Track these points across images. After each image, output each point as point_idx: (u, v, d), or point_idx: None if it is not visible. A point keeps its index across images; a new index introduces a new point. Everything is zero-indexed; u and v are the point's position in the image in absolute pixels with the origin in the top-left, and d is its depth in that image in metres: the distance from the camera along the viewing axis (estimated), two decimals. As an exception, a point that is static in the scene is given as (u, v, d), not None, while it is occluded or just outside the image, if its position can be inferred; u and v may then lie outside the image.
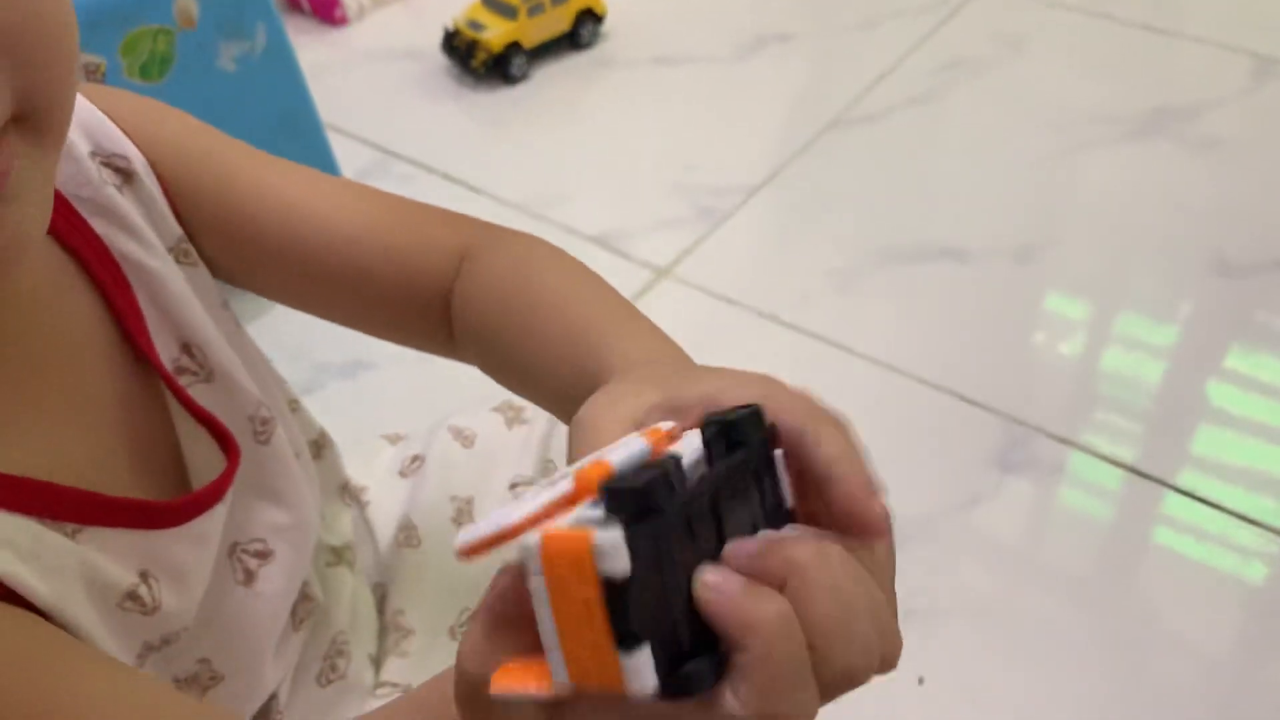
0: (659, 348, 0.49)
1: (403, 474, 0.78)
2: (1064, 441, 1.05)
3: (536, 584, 0.28)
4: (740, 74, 1.60)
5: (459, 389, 1.15)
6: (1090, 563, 0.98)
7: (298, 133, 1.29)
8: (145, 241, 0.53)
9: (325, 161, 1.32)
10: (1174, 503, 1.00)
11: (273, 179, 0.57)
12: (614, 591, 0.26)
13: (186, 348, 0.54)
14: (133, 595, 0.47)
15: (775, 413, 0.33)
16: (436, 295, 0.58)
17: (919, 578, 0.95)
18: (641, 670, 0.26)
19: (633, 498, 0.26)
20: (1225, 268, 1.22)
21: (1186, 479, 1.01)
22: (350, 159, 1.43)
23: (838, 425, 0.34)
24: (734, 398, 0.33)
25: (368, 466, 0.79)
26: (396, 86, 1.63)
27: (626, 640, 0.26)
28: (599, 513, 0.27)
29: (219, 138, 0.58)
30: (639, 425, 0.34)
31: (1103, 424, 1.08)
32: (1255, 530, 0.96)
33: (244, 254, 0.57)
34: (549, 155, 1.49)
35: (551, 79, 1.62)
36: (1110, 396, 1.12)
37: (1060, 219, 1.33)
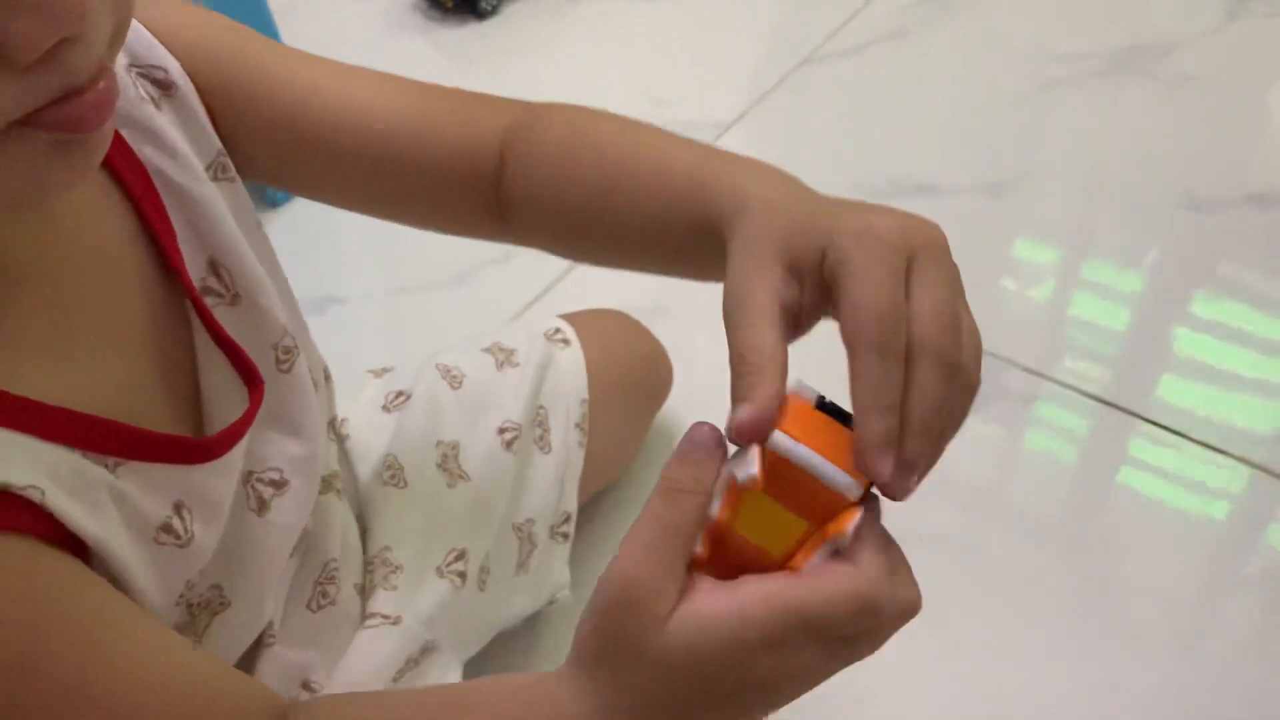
0: (767, 177, 0.48)
1: (386, 409, 0.78)
2: (1035, 374, 1.07)
3: (798, 450, 0.39)
4: (713, 9, 1.58)
5: (434, 326, 1.14)
6: (1058, 497, 1.00)
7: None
8: (181, 159, 0.51)
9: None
10: (1143, 435, 1.02)
11: (310, 73, 0.56)
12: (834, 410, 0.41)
13: (214, 267, 0.53)
14: (167, 528, 0.47)
15: (853, 308, 0.39)
16: (484, 176, 0.57)
17: (888, 510, 0.97)
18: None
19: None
20: (1195, 203, 1.23)
21: (1155, 410, 1.03)
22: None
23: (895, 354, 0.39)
24: (861, 281, 0.39)
25: (349, 399, 0.78)
26: (364, 23, 1.59)
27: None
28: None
29: (252, 36, 0.56)
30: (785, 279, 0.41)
31: (1074, 356, 1.09)
32: (1220, 464, 0.98)
33: (287, 152, 0.56)
34: (519, 91, 1.46)
35: (521, 14, 1.59)
36: (1081, 329, 1.13)
37: (1032, 155, 1.33)
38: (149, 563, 0.46)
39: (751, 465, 0.39)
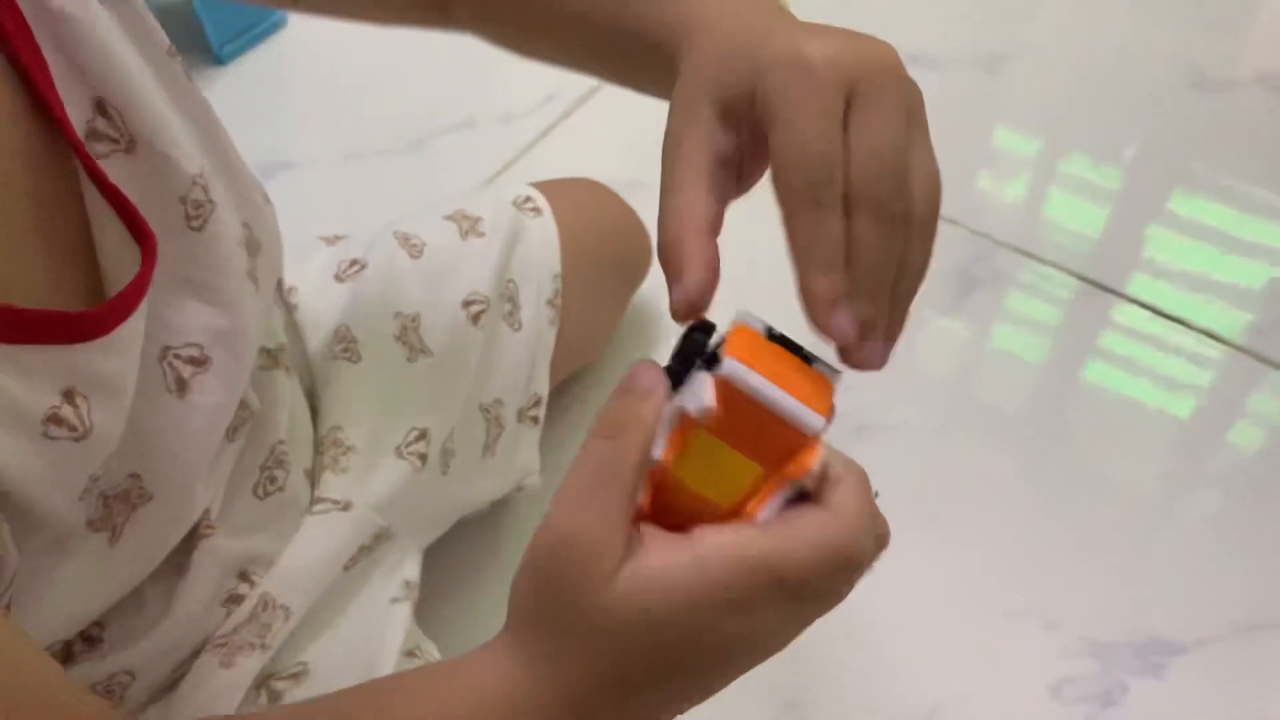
0: None
1: (339, 278, 0.71)
2: (1031, 256, 1.02)
3: (754, 379, 0.34)
4: None
5: (391, 194, 1.07)
6: (1040, 381, 0.97)
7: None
8: None
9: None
10: (1122, 317, 0.98)
11: None
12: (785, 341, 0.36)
13: (101, 107, 0.44)
14: (56, 419, 0.39)
15: (783, 162, 0.34)
16: None
17: (876, 392, 0.93)
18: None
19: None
20: (1201, 82, 1.17)
21: (1138, 289, 0.99)
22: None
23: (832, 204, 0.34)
24: (792, 129, 0.34)
25: (298, 266, 0.71)
26: None
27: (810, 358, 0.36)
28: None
29: None
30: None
31: (1071, 239, 1.04)
32: (1193, 351, 0.95)
33: None
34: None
35: None
36: (1079, 212, 1.08)
37: (1032, 28, 1.26)
38: (39, 461, 0.39)
39: (704, 395, 0.34)
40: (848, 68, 0.35)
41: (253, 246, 0.53)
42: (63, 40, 0.42)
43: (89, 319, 0.40)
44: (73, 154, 0.42)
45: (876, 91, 0.35)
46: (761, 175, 0.39)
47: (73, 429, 0.40)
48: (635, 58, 0.44)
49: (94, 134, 0.44)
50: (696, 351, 0.36)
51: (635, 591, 0.33)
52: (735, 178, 0.38)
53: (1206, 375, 0.95)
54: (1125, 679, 0.77)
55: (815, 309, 0.35)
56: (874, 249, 0.35)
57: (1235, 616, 0.79)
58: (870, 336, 0.36)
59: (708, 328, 0.36)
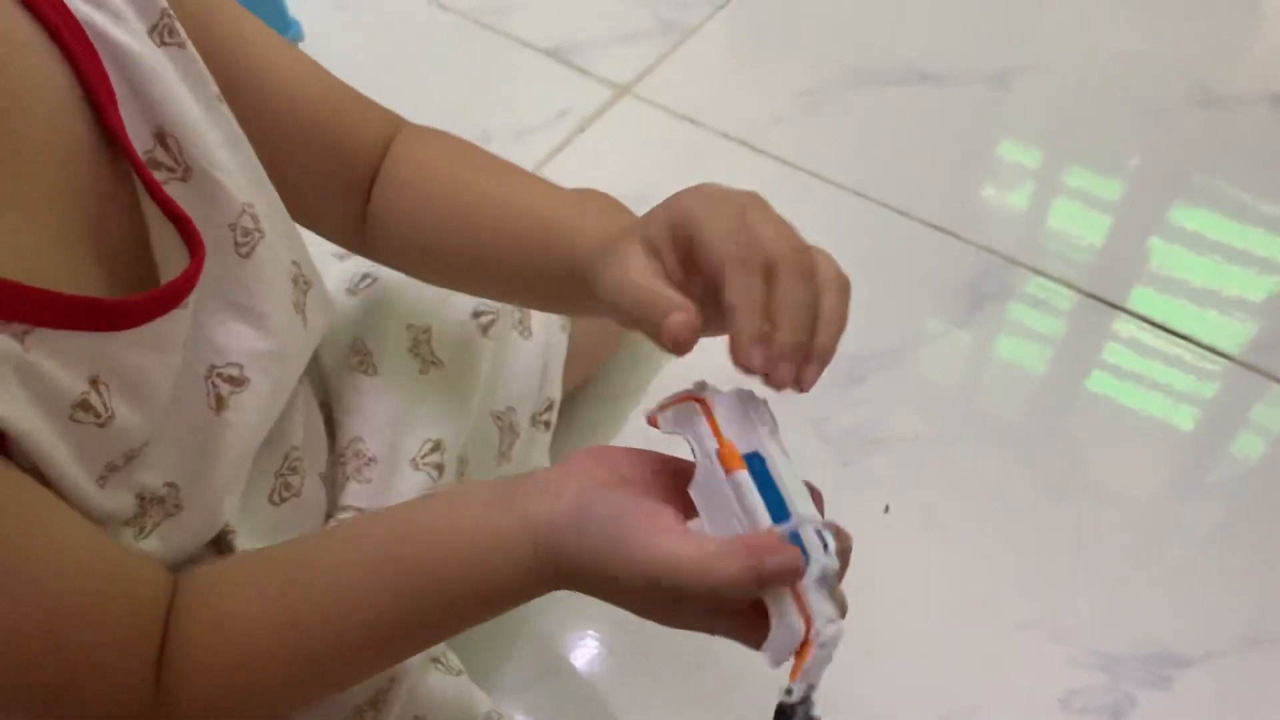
0: (609, 215, 0.54)
1: (352, 292, 0.72)
2: (1038, 272, 1.02)
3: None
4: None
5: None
6: (1046, 394, 0.97)
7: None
8: (115, 14, 0.46)
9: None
10: (1123, 331, 0.98)
11: (248, 26, 0.56)
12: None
13: (161, 137, 0.48)
14: (84, 405, 0.43)
15: (710, 242, 0.43)
16: (365, 176, 0.59)
17: (885, 405, 0.93)
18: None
19: None
20: (1207, 99, 1.18)
21: (1139, 304, 0.99)
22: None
23: (759, 266, 0.42)
24: (707, 228, 0.44)
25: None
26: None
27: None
28: None
29: None
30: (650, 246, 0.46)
31: (1076, 253, 1.05)
32: (1198, 361, 0.95)
33: (224, 85, 0.52)
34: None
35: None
36: (1084, 226, 1.09)
37: (1037, 44, 1.27)
38: (66, 443, 0.43)
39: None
40: (737, 195, 0.46)
41: (301, 283, 0.57)
42: (128, 73, 0.46)
43: (120, 309, 0.44)
44: (133, 173, 0.46)
45: (761, 207, 0.46)
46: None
47: (96, 415, 0.43)
48: (540, 279, 0.55)
49: (153, 162, 0.48)
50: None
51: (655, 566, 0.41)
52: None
53: (1211, 388, 0.95)
54: (1133, 691, 0.77)
55: (741, 340, 0.42)
56: (793, 292, 0.42)
57: (1242, 630, 0.80)
58: (794, 359, 0.42)
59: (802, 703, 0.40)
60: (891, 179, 1.10)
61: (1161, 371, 0.96)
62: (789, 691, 0.38)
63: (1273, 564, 0.83)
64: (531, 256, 0.54)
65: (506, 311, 0.73)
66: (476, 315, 0.71)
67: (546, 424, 0.78)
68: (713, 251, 0.43)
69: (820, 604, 0.38)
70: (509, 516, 0.44)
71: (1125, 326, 0.99)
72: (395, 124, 0.61)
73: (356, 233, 0.61)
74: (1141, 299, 1.01)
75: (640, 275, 0.45)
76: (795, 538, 0.40)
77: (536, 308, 0.61)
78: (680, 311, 0.42)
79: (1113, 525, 0.86)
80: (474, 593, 0.45)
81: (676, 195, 0.46)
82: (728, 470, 0.42)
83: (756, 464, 0.42)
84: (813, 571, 0.39)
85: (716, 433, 0.43)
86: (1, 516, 0.40)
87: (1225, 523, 0.88)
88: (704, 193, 0.46)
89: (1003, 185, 1.13)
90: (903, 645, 0.79)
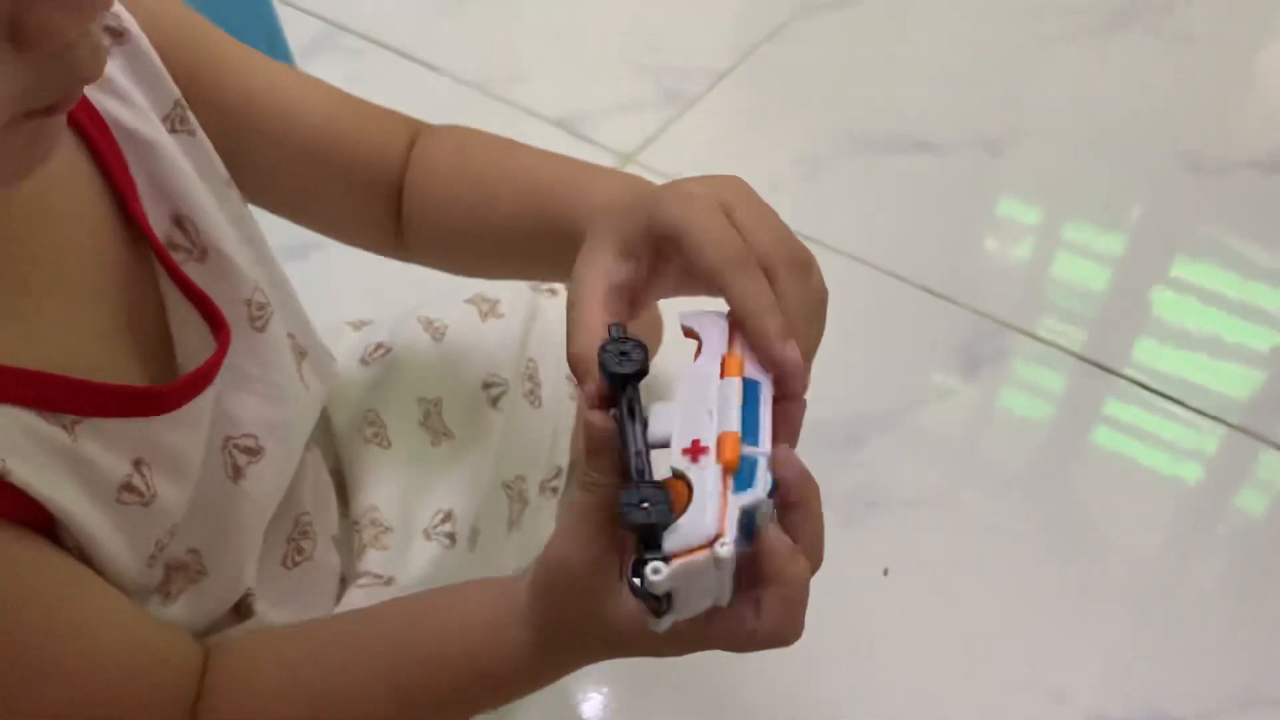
0: (611, 183, 0.54)
1: (365, 361, 0.75)
2: (1033, 336, 1.05)
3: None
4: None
5: (416, 276, 1.10)
6: (1043, 456, 0.99)
7: (244, 3, 1.21)
8: (132, 104, 0.49)
9: (273, 32, 1.24)
10: (1121, 394, 1.00)
11: (256, 65, 0.57)
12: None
13: (178, 221, 0.51)
14: (129, 487, 0.45)
15: (699, 250, 0.41)
16: (393, 183, 0.60)
17: (884, 468, 0.95)
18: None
19: None
20: (1196, 165, 1.21)
21: (1137, 369, 1.01)
22: (297, 31, 1.34)
23: (759, 271, 0.41)
24: (695, 228, 0.42)
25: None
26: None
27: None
28: None
29: (203, 20, 0.56)
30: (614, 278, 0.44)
31: (1070, 318, 1.07)
32: (1197, 425, 0.97)
33: (235, 138, 0.55)
34: (507, 32, 1.42)
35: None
36: (1079, 291, 1.11)
37: (1031, 112, 1.30)
38: (114, 525, 0.45)
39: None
40: (721, 192, 0.44)
41: (298, 353, 0.59)
42: (146, 162, 0.49)
43: (162, 394, 0.46)
44: (153, 258, 0.49)
45: (747, 202, 0.44)
46: (656, 298, 0.47)
47: (140, 496, 0.46)
48: (556, 253, 0.53)
49: (171, 244, 0.50)
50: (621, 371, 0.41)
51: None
52: (629, 301, 0.45)
53: (1208, 450, 0.97)
54: (1130, 752, 0.78)
55: (769, 347, 0.41)
56: (796, 293, 0.42)
57: (1236, 691, 0.81)
58: (809, 359, 0.42)
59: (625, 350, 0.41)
60: (889, 244, 1.13)
61: (1160, 435, 0.98)
62: (656, 570, 0.37)
63: (1269, 626, 0.85)
64: (553, 221, 0.54)
65: (515, 381, 0.75)
66: (487, 387, 0.74)
67: (554, 490, 0.80)
68: (704, 259, 0.41)
69: (735, 529, 0.38)
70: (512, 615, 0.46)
71: (1123, 390, 1.01)
72: (415, 128, 0.62)
73: (395, 237, 0.62)
74: (1137, 362, 1.03)
75: (587, 294, 0.44)
76: (753, 463, 0.40)
77: (562, 279, 0.58)
78: (589, 390, 0.42)
79: (1109, 587, 0.88)
80: (480, 678, 0.48)
81: (655, 196, 0.45)
82: (724, 374, 0.41)
83: (751, 388, 0.41)
84: (747, 497, 0.39)
85: (731, 345, 0.43)
86: (45, 606, 0.42)
87: (1223, 585, 0.89)
88: (685, 194, 0.44)
89: (998, 249, 1.16)
90: (900, 703, 0.80)
